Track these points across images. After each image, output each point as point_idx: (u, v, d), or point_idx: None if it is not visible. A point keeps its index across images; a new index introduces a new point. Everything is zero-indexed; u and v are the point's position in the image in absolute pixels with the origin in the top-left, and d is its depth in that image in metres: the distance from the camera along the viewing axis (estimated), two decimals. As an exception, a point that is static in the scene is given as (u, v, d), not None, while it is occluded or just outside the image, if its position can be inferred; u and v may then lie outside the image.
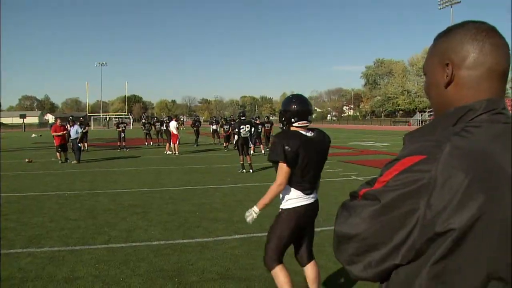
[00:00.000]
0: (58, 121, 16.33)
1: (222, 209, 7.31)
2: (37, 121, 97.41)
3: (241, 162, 12.56)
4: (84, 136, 19.81)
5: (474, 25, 0.97)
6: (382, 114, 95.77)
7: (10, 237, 5.75)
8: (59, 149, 15.68)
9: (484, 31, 0.95)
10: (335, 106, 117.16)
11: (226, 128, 21.19)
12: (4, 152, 20.41)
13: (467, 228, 0.80)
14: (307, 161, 3.06)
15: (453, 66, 0.97)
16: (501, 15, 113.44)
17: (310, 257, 3.39)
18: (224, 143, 21.58)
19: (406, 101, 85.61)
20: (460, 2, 53.65)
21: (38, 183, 10.61)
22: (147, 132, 25.04)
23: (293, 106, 3.17)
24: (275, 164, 3.11)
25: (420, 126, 1.03)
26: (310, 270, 3.36)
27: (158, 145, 24.00)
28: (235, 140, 16.42)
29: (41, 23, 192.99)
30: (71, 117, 17.60)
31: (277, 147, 3.04)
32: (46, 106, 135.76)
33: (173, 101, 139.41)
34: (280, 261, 3.19)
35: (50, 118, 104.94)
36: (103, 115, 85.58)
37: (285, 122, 3.23)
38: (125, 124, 22.00)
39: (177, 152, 18.40)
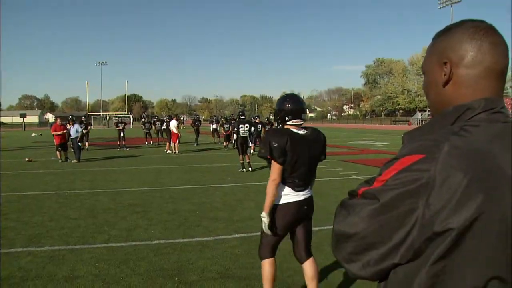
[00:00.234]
0: (58, 120, 16.32)
1: (222, 208, 7.31)
2: (37, 120, 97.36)
3: (241, 162, 12.56)
4: (85, 136, 19.83)
5: (472, 23, 0.97)
6: (382, 113, 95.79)
7: (10, 236, 5.75)
8: (59, 148, 15.68)
9: (483, 29, 0.95)
10: (335, 106, 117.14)
11: (226, 127, 21.20)
12: (4, 151, 20.41)
13: (466, 227, 0.80)
14: (297, 158, 3.14)
15: (451, 65, 0.97)
16: (501, 14, 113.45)
17: (309, 254, 3.41)
18: (224, 142, 21.59)
19: (406, 100, 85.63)
20: (460, 1, 53.60)
21: (38, 182, 10.61)
22: (147, 131, 25.07)
23: (287, 105, 3.26)
24: (268, 161, 3.21)
25: (420, 125, 1.03)
26: (308, 267, 3.38)
27: (158, 144, 24.00)
28: (234, 140, 16.44)
29: (41, 23, 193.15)
30: (71, 116, 17.55)
31: (265, 144, 3.16)
32: (46, 105, 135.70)
33: (173, 100, 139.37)
34: (272, 255, 3.33)
35: (50, 117, 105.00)
36: (103, 114, 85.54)
37: (279, 121, 3.31)
38: (124, 123, 21.99)
39: (177, 151, 18.40)
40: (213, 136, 26.42)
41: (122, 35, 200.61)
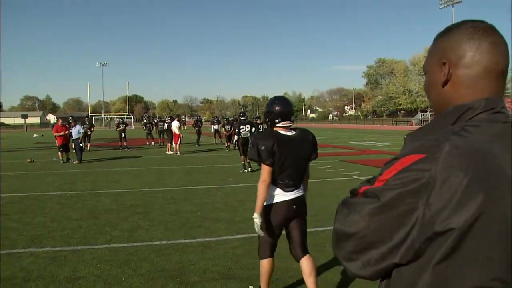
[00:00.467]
0: (60, 121, 16.35)
1: (223, 209, 7.31)
2: (39, 121, 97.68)
3: (242, 162, 12.57)
4: (87, 136, 19.86)
5: (471, 24, 0.97)
6: (384, 113, 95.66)
7: (12, 237, 5.76)
8: (61, 149, 15.71)
9: (481, 29, 0.95)
10: (337, 106, 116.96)
11: (228, 128, 21.21)
12: (6, 152, 20.46)
13: (467, 227, 0.80)
14: (284, 159, 3.25)
15: (450, 65, 0.97)
16: (502, 14, 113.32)
17: (304, 251, 3.48)
18: (226, 143, 21.59)
19: (408, 100, 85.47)
20: (461, 1, 53.52)
21: (40, 183, 10.63)
22: (149, 132, 25.13)
23: (276, 108, 3.38)
24: (259, 163, 3.34)
25: (422, 125, 1.03)
26: (305, 264, 3.44)
27: (160, 145, 24.02)
28: (235, 140, 16.43)
29: (41, 23, 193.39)
30: (71, 117, 17.56)
31: (253, 147, 3.32)
32: (47, 106, 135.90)
33: (175, 101, 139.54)
34: (270, 255, 3.44)
35: (51, 118, 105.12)
36: (104, 115, 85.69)
37: (269, 123, 3.43)
38: (125, 124, 22.01)
39: (178, 152, 18.42)
40: (215, 137, 26.43)
41: (122, 35, 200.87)
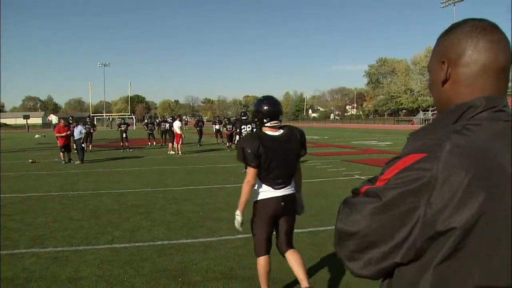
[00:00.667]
0: (62, 121, 16.37)
1: (225, 209, 7.31)
2: (41, 121, 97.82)
3: (244, 162, 12.55)
4: (89, 137, 19.89)
5: (471, 22, 0.97)
6: (385, 113, 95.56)
7: (14, 237, 5.77)
8: (63, 150, 15.73)
9: (480, 28, 0.95)
10: (338, 105, 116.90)
11: (229, 128, 21.21)
12: (8, 153, 20.50)
13: (469, 226, 0.80)
14: (270, 160, 3.32)
15: (449, 64, 0.97)
16: (504, 12, 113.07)
17: (289, 246, 3.56)
18: (227, 143, 21.58)
19: (409, 100, 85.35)
20: (463, 0, 53.44)
21: (42, 184, 10.65)
22: (150, 132, 25.17)
23: (265, 107, 3.44)
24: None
25: (424, 125, 1.02)
26: (291, 256, 3.52)
27: (162, 145, 24.04)
28: (236, 140, 16.42)
29: (42, 23, 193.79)
30: (71, 118, 17.57)
31: (239, 150, 3.41)
32: (49, 106, 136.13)
33: (176, 101, 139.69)
34: (266, 252, 3.49)
35: (53, 118, 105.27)
36: (106, 116, 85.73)
37: (258, 123, 3.49)
38: (127, 125, 22.03)
39: (180, 152, 18.43)
40: (216, 137, 26.41)
41: (123, 35, 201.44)
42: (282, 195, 3.40)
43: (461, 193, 0.80)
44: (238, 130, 13.38)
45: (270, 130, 3.43)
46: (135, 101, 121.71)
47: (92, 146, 21.33)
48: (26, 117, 69.26)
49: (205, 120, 38.39)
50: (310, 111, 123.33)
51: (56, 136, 15.87)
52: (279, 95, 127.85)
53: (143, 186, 10.02)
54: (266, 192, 3.40)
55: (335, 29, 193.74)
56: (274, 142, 3.36)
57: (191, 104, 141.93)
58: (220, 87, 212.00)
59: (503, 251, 0.81)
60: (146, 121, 28.62)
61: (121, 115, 67.69)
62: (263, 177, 3.38)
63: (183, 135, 18.84)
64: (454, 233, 0.80)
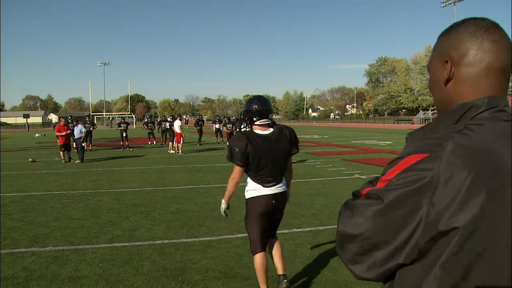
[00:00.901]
0: (62, 120, 16.37)
1: (225, 208, 7.30)
2: (41, 120, 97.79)
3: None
4: (89, 135, 19.89)
5: (474, 22, 0.96)
6: (385, 112, 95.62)
7: (14, 236, 5.77)
8: (63, 149, 15.73)
9: (484, 27, 0.95)
10: (338, 105, 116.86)
11: (229, 127, 21.21)
12: (8, 152, 20.50)
13: (471, 226, 0.79)
14: (259, 159, 3.39)
15: (452, 63, 0.97)
16: (505, 12, 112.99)
17: (272, 236, 3.71)
18: (227, 142, 21.55)
19: (409, 99, 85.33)
20: (463, -1, 53.36)
21: (42, 183, 10.65)
22: (150, 131, 25.19)
23: (254, 106, 3.51)
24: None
25: (423, 124, 1.02)
26: (273, 245, 3.67)
27: (162, 144, 24.05)
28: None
29: (42, 23, 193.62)
30: (70, 117, 17.56)
31: (228, 149, 3.48)
32: (49, 105, 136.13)
33: (176, 100, 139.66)
34: (262, 249, 3.54)
35: (53, 117, 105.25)
36: (106, 115, 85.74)
37: (248, 122, 3.56)
38: (127, 124, 22.03)
39: (180, 151, 18.43)
40: (216, 136, 26.43)
41: (124, 35, 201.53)
42: (272, 193, 3.47)
43: (464, 193, 0.79)
44: (238, 129, 13.37)
45: (260, 129, 3.49)
46: (135, 100, 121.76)
47: (92, 145, 21.32)
48: (26, 116, 69.22)
49: (205, 119, 38.42)
50: (310, 110, 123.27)
51: (56, 135, 15.86)
52: (279, 94, 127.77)
53: (143, 185, 10.02)
54: (257, 190, 3.47)
55: (335, 28, 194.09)
56: (263, 141, 3.42)
57: (191, 103, 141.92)
58: (220, 87, 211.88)
59: (504, 251, 0.80)
60: (146, 120, 28.64)
61: (121, 114, 67.78)
62: (253, 175, 3.46)
63: (183, 135, 18.82)
64: (456, 232, 0.80)
